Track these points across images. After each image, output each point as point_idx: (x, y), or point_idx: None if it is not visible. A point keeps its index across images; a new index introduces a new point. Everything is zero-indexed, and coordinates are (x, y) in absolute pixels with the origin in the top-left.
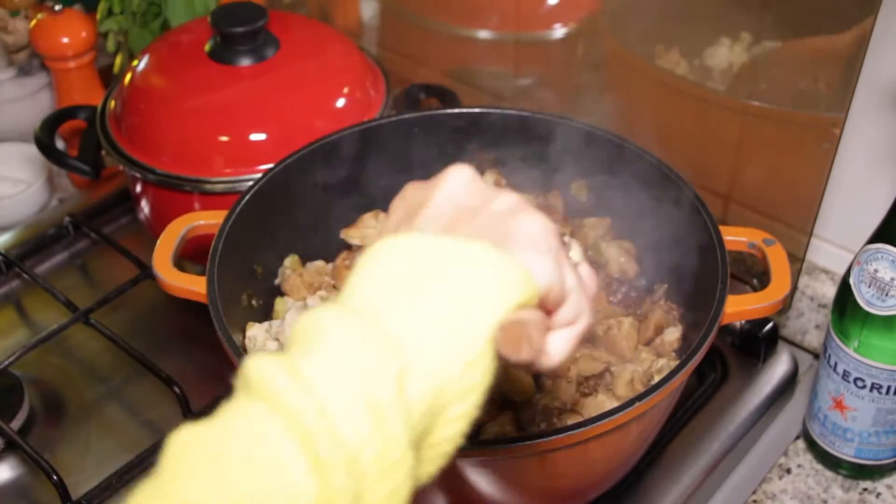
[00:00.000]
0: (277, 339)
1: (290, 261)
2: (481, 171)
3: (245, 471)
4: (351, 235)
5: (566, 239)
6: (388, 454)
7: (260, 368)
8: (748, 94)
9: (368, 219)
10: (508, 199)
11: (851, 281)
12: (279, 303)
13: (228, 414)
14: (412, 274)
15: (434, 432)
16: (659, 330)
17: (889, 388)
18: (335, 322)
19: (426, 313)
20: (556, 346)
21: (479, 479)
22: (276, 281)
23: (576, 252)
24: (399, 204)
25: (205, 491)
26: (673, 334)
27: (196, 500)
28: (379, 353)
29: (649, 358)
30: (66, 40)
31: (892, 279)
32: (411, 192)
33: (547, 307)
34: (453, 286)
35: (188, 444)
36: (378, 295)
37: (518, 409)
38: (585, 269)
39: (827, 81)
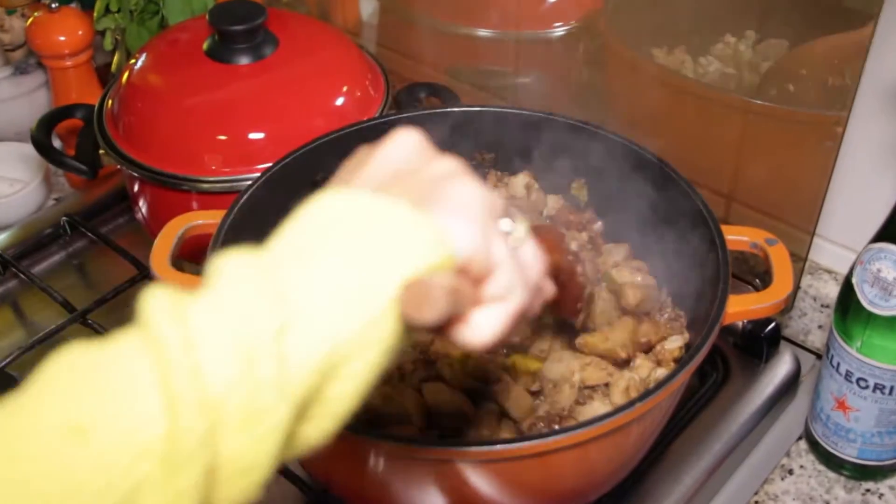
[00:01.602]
0: None
1: None
2: (482, 170)
3: (101, 395)
4: None
5: (511, 213)
6: (253, 402)
7: (150, 299)
8: (774, 97)
9: None
10: (447, 164)
11: (854, 281)
12: None
13: (112, 340)
14: (327, 228)
15: (326, 388)
16: (647, 338)
17: (892, 388)
18: (233, 266)
19: (327, 268)
20: (484, 321)
21: (480, 481)
22: None
23: (521, 230)
24: (347, 164)
25: (57, 410)
26: (675, 342)
27: (47, 418)
28: (264, 303)
29: (647, 366)
30: (62, 38)
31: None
32: (361, 152)
33: (472, 277)
34: (363, 242)
35: (61, 362)
36: (290, 246)
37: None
38: (530, 250)
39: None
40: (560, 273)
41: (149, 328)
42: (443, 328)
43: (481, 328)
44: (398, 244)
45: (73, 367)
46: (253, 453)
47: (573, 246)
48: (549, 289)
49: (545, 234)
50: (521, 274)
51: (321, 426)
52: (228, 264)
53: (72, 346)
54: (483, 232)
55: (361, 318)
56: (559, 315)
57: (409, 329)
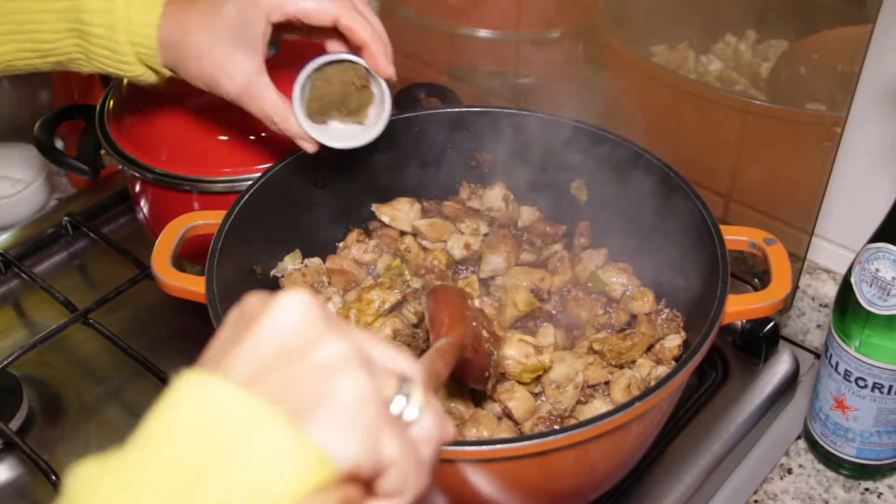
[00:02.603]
0: None
1: (292, 257)
2: (483, 170)
3: None
4: (382, 211)
5: (406, 387)
6: None
7: None
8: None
9: (403, 202)
10: (332, 350)
11: (853, 280)
12: None
13: None
14: (199, 437)
15: None
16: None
17: (890, 387)
18: (102, 488)
19: (202, 494)
20: None
21: (480, 480)
22: (274, 272)
23: (418, 397)
24: (234, 314)
25: None
26: (673, 341)
27: None
28: None
29: (648, 364)
30: None
31: (894, 278)
32: (250, 304)
33: (362, 480)
34: (238, 467)
35: None
36: (157, 461)
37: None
38: (427, 420)
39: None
40: (465, 349)
41: None
42: None
43: None
44: (276, 470)
45: None
46: None
47: (476, 303)
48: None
49: (446, 302)
50: (414, 466)
51: None
52: (91, 482)
53: None
54: (368, 437)
55: None
56: (468, 383)
57: None
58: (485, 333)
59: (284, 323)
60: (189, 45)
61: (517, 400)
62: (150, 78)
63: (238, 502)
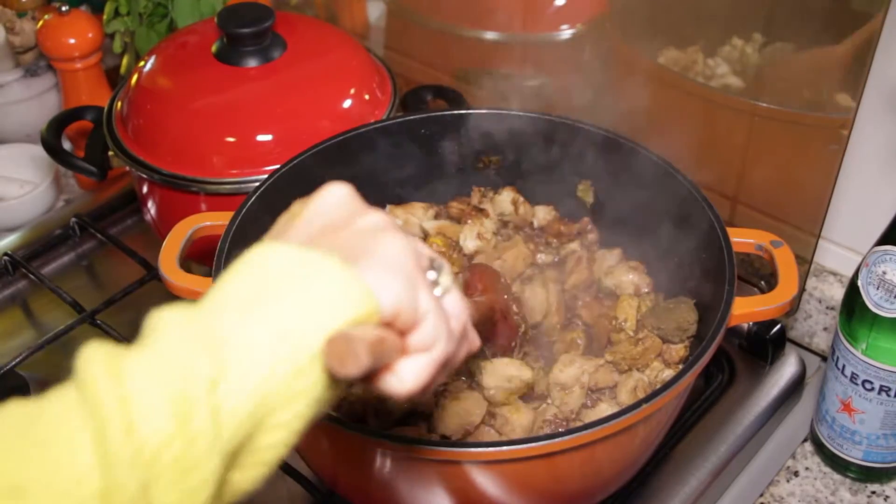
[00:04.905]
0: None
1: None
2: (490, 172)
3: (38, 453)
4: (395, 213)
5: (437, 264)
6: (187, 455)
7: (87, 355)
8: (758, 97)
9: (418, 207)
10: (375, 218)
11: (859, 283)
12: None
13: (50, 396)
14: (259, 280)
15: (257, 438)
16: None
17: None
18: (168, 320)
19: (259, 319)
20: (409, 371)
21: (487, 482)
22: None
23: (446, 278)
24: (283, 217)
25: None
26: (680, 343)
27: None
28: (198, 353)
29: (654, 366)
30: (72, 41)
31: None
32: (295, 205)
33: (399, 328)
34: (292, 296)
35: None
36: (223, 298)
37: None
38: (453, 298)
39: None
40: (494, 312)
41: (84, 385)
42: (370, 377)
43: (405, 377)
44: (324, 298)
45: (11, 424)
46: None
47: (515, 287)
48: (475, 339)
49: (482, 273)
50: (445, 324)
51: (252, 474)
52: (163, 319)
53: (9, 402)
54: (409, 285)
55: (289, 370)
56: (496, 350)
57: (335, 381)
58: (514, 308)
59: (328, 204)
60: None
61: (515, 427)
62: None
63: (291, 323)
